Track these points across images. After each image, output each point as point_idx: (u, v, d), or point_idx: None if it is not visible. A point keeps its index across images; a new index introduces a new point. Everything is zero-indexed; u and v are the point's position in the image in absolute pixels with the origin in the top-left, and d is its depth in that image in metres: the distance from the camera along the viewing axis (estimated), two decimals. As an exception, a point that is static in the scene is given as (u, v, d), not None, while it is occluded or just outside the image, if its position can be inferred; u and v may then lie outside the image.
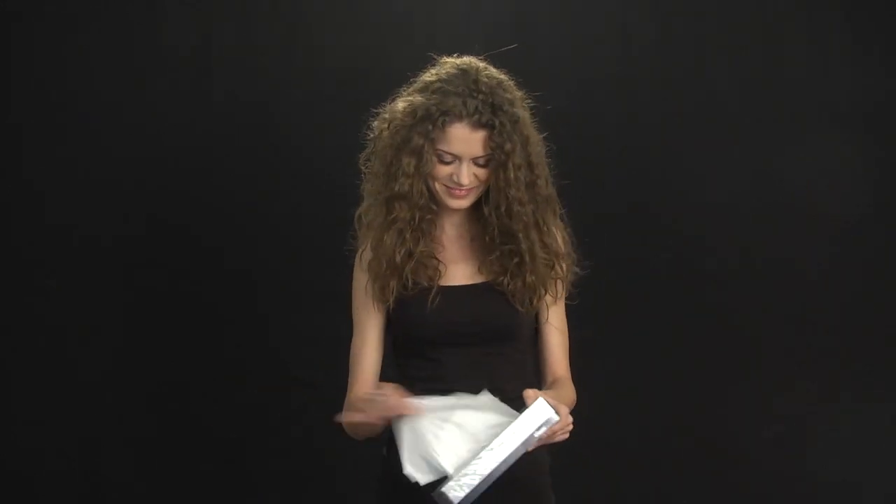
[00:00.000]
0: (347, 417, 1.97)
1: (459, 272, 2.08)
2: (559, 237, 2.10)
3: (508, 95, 2.00)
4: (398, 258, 2.02)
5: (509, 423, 1.81)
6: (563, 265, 2.09)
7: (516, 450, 1.80)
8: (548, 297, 2.08)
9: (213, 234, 3.08)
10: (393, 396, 1.87)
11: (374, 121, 2.08)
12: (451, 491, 1.78)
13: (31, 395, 3.07)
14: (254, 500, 3.11)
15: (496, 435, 1.80)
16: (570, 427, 1.88)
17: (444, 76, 2.00)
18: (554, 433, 1.85)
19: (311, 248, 2.93)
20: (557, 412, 1.82)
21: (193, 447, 3.10)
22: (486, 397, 1.93)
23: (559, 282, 2.09)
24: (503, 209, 2.01)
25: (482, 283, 2.07)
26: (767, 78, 3.14)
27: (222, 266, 3.08)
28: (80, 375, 3.06)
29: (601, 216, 3.01)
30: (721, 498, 3.17)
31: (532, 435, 1.80)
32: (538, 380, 2.11)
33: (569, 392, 2.09)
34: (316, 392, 2.80)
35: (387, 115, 2.05)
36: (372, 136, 2.08)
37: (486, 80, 1.99)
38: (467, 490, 1.78)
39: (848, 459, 3.14)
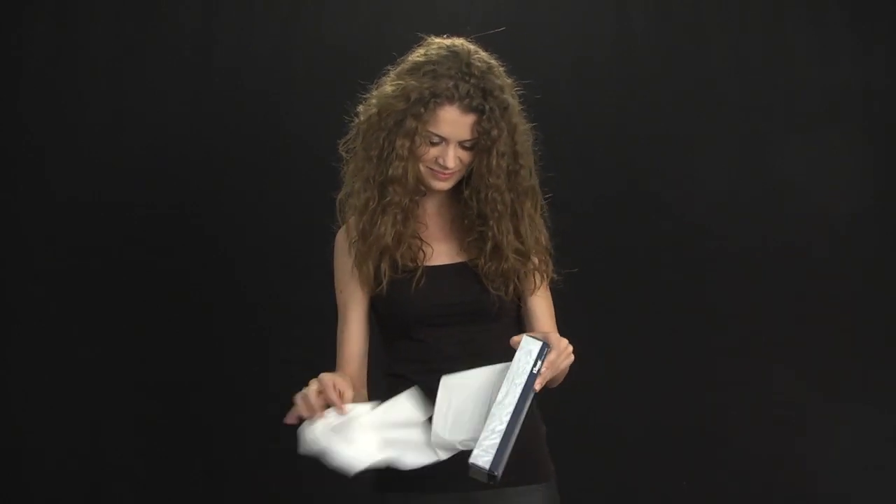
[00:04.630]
0: (289, 419, 1.85)
1: (441, 251, 2.07)
2: (536, 230, 2.06)
3: (499, 81, 1.98)
4: (390, 242, 2.01)
5: (504, 374, 1.77)
6: (537, 258, 2.06)
7: (523, 394, 1.74)
8: (525, 289, 2.06)
9: (211, 222, 3.11)
10: (316, 396, 1.80)
11: (359, 105, 2.05)
12: (479, 459, 1.73)
13: (31, 383, 3.09)
14: (251, 484, 3.12)
15: (497, 390, 1.76)
16: (570, 349, 1.82)
17: (434, 57, 1.97)
18: (554, 362, 1.79)
19: (304, 236, 2.93)
20: (547, 341, 1.78)
21: (192, 434, 3.12)
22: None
23: (537, 274, 2.06)
24: (482, 195, 2.00)
25: (461, 263, 2.05)
26: (768, 75, 3.13)
27: (218, 254, 3.11)
28: (77, 362, 3.09)
29: (598, 207, 3.04)
30: (720, 488, 3.14)
31: (532, 373, 1.75)
32: None
33: None
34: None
35: (374, 100, 2.02)
36: (357, 120, 2.05)
37: (477, 63, 1.97)
38: (493, 452, 1.73)
39: (846, 455, 3.12)
